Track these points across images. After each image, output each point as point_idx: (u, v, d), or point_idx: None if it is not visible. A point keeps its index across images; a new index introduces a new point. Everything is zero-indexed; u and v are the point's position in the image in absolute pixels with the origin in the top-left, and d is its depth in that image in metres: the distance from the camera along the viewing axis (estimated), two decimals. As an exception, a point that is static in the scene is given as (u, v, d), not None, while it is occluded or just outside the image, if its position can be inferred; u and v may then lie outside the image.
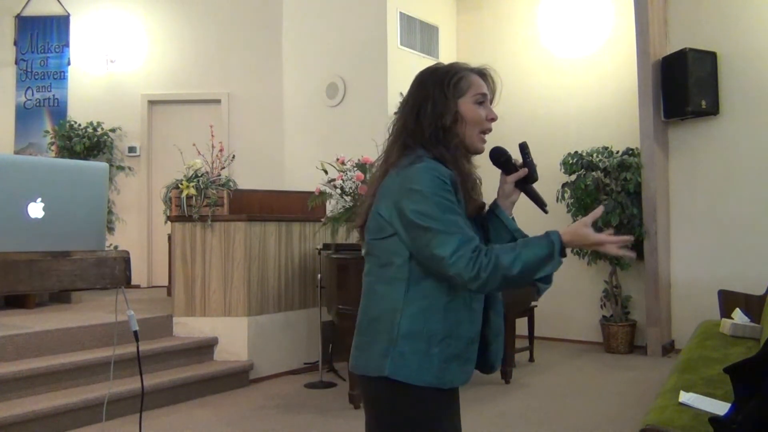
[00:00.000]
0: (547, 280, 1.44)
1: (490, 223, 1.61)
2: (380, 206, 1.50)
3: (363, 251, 1.62)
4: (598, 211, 1.46)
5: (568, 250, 1.46)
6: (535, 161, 1.57)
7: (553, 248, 1.40)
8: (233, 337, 4.82)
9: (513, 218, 1.62)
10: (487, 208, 1.65)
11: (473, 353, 1.54)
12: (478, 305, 1.54)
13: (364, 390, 1.56)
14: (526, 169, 1.56)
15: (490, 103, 1.59)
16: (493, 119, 1.56)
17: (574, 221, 6.34)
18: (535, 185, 1.60)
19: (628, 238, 1.43)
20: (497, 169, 1.65)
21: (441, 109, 1.52)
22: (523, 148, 1.60)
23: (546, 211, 1.60)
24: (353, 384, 4.09)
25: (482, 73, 1.59)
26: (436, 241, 1.38)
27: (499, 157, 1.59)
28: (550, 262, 1.40)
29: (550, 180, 6.19)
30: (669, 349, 5.72)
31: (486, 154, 1.63)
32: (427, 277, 1.46)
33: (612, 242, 1.41)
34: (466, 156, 1.56)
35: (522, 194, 1.63)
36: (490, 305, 1.59)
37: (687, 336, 4.68)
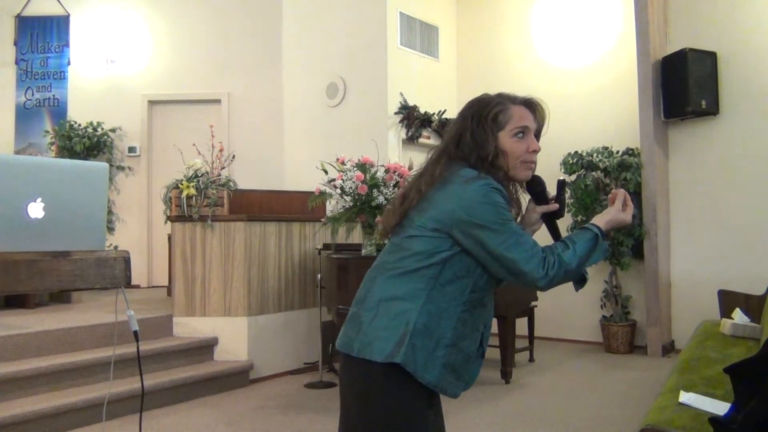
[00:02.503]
0: (584, 276, 1.61)
1: None
2: (432, 211, 1.55)
3: (385, 248, 1.68)
4: (621, 194, 1.63)
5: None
6: (568, 199, 1.65)
7: (598, 237, 1.56)
8: (233, 337, 4.82)
9: None
10: None
11: (466, 373, 1.59)
12: (483, 327, 1.62)
13: (355, 371, 1.56)
14: (557, 205, 1.65)
15: (539, 133, 1.65)
16: (536, 151, 1.61)
17: (574, 221, 6.39)
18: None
19: (623, 192, 1.64)
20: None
21: (481, 141, 1.60)
22: (561, 184, 1.69)
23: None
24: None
25: (528, 104, 1.65)
26: (508, 244, 1.50)
27: (535, 186, 1.66)
28: (598, 250, 1.56)
29: (550, 180, 6.20)
30: (669, 349, 5.72)
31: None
32: (453, 282, 1.53)
33: (629, 212, 1.62)
34: (511, 183, 1.63)
35: (543, 226, 1.73)
36: (486, 329, 1.67)
37: (687, 336, 4.68)
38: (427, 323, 1.50)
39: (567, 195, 1.68)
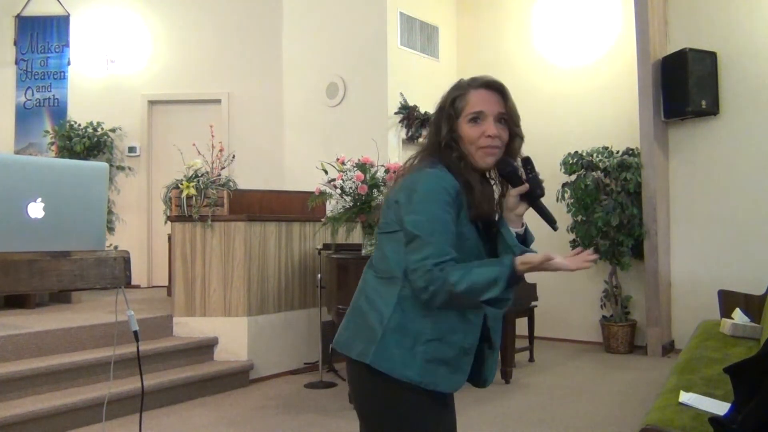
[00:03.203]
0: (497, 305, 1.44)
1: (498, 235, 1.61)
2: (391, 203, 1.56)
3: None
4: (584, 257, 1.44)
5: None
6: (540, 175, 1.55)
7: (502, 273, 1.38)
8: (233, 337, 4.82)
9: (526, 228, 1.59)
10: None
11: (466, 364, 1.56)
12: (475, 317, 1.55)
13: (347, 367, 1.62)
14: (527, 185, 1.53)
15: (510, 116, 1.56)
16: (491, 135, 1.52)
17: (574, 221, 6.39)
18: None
19: (580, 251, 1.46)
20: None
21: (436, 129, 1.58)
22: (525, 162, 1.57)
23: (555, 229, 1.57)
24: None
25: (488, 86, 1.58)
26: (412, 246, 1.45)
27: (503, 169, 1.57)
28: (495, 287, 1.38)
29: (550, 180, 6.19)
30: (669, 349, 5.72)
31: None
32: None
33: (553, 258, 1.38)
34: (472, 166, 1.56)
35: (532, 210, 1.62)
36: (490, 320, 1.59)
37: (687, 336, 4.69)
38: (402, 321, 1.50)
39: (538, 172, 1.58)
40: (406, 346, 1.49)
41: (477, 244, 1.54)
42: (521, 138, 1.59)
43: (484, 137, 1.53)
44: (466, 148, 1.54)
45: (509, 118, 1.56)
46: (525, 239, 1.58)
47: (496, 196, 1.60)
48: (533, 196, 1.53)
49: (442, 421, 1.59)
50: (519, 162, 1.57)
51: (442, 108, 1.59)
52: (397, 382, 1.49)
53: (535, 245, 1.60)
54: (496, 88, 1.57)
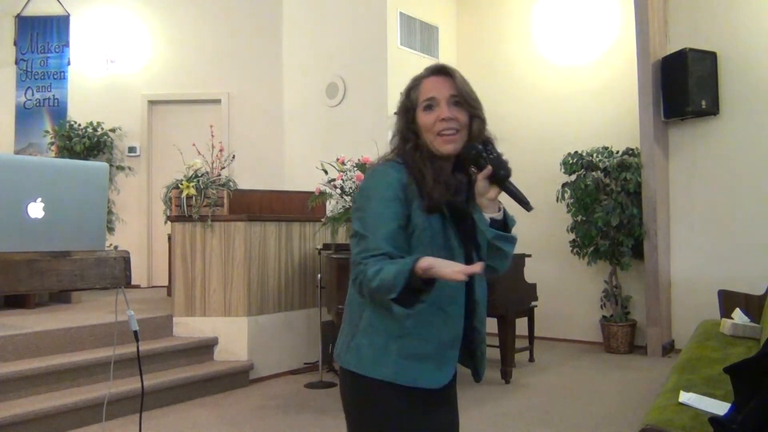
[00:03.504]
0: (406, 303, 1.34)
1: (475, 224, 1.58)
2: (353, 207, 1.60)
3: None
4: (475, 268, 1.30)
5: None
6: (503, 156, 1.50)
7: (401, 273, 1.30)
8: (233, 337, 4.83)
9: (505, 212, 1.53)
10: None
11: (450, 358, 1.53)
12: (453, 309, 1.51)
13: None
14: (489, 167, 1.47)
15: (464, 97, 1.52)
16: (444, 118, 1.50)
17: (574, 221, 6.38)
18: (525, 188, 1.56)
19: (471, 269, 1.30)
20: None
21: (401, 121, 1.58)
22: (485, 144, 1.52)
23: (528, 209, 1.49)
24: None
25: (436, 71, 1.57)
26: (353, 242, 1.47)
27: (467, 152, 1.51)
28: (397, 287, 1.30)
29: (550, 180, 6.20)
30: (669, 349, 5.72)
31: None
32: None
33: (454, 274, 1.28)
34: (428, 156, 1.53)
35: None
36: (473, 312, 1.57)
37: (687, 336, 4.68)
38: (372, 320, 1.50)
39: (501, 152, 1.52)
40: (379, 345, 1.48)
41: (439, 235, 1.49)
42: (481, 119, 1.54)
43: (438, 122, 1.50)
44: (427, 137, 1.53)
45: (463, 100, 1.52)
46: (505, 223, 1.53)
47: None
48: (498, 178, 1.48)
49: (427, 419, 1.53)
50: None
51: (400, 103, 1.59)
52: (374, 382, 1.48)
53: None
54: (444, 72, 1.55)
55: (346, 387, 1.56)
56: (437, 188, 1.47)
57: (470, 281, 1.53)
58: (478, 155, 1.49)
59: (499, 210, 1.51)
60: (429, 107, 1.52)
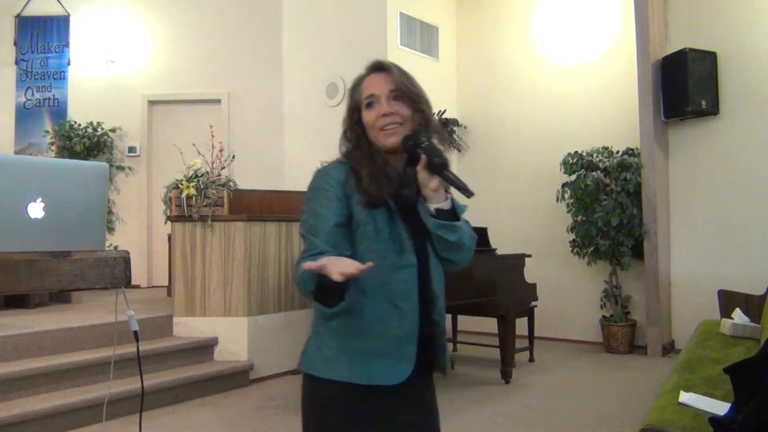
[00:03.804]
0: (325, 302, 1.35)
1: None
2: None
3: None
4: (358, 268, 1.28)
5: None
6: (438, 145, 1.48)
7: (303, 270, 1.32)
8: (233, 337, 4.83)
9: (453, 201, 1.50)
10: None
11: (406, 353, 1.48)
12: (405, 304, 1.48)
13: None
14: (423, 156, 1.44)
15: (404, 91, 1.52)
16: (384, 114, 1.51)
17: (574, 221, 6.39)
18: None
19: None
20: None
21: (346, 122, 1.60)
22: (417, 134, 1.49)
23: (468, 196, 1.43)
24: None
25: (375, 68, 1.59)
26: (302, 242, 1.51)
27: (404, 144, 1.49)
28: (306, 283, 1.35)
29: (550, 180, 6.20)
30: (669, 349, 5.72)
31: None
32: None
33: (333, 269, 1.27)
34: (368, 153, 1.53)
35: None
36: (430, 306, 1.54)
37: (687, 336, 4.69)
38: (329, 322, 1.51)
39: (435, 141, 1.46)
40: (334, 346, 1.49)
41: (385, 229, 1.48)
42: (422, 111, 1.54)
43: (379, 118, 1.51)
44: (371, 134, 1.54)
45: (403, 94, 1.52)
46: (454, 213, 1.50)
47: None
48: (434, 166, 1.44)
49: (388, 418, 1.50)
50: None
51: (347, 105, 1.62)
52: (331, 383, 1.48)
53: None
54: (382, 68, 1.57)
55: (305, 390, 1.55)
56: (373, 184, 1.48)
57: (425, 274, 1.53)
58: (414, 146, 1.47)
59: (446, 199, 1.49)
60: (370, 105, 1.54)
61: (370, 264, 1.27)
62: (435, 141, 1.49)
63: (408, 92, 1.53)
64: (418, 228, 1.51)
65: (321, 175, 1.54)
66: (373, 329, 1.47)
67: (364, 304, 1.46)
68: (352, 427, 1.49)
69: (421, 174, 1.46)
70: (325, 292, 1.34)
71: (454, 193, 1.53)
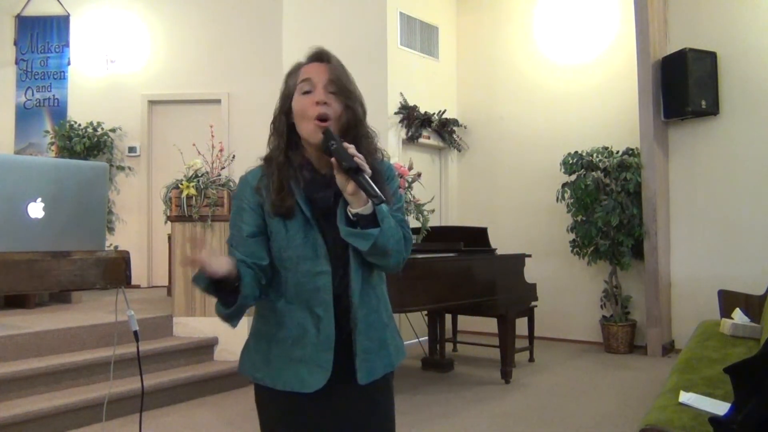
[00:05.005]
0: (223, 304, 1.42)
1: None
2: None
3: None
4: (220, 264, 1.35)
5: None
6: (349, 148, 1.38)
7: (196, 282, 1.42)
8: (233, 337, 4.82)
9: (373, 206, 1.40)
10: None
11: (323, 361, 1.44)
12: (320, 310, 1.44)
13: None
14: (333, 159, 1.38)
15: (341, 86, 1.48)
16: (318, 102, 1.44)
17: (574, 221, 6.39)
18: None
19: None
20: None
21: (278, 110, 1.55)
22: (329, 136, 1.41)
23: (376, 202, 1.38)
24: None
25: (315, 57, 1.53)
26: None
27: (324, 145, 1.41)
28: (198, 284, 1.41)
29: (550, 180, 6.20)
30: (669, 349, 5.72)
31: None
32: (269, 282, 1.51)
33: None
34: (287, 159, 1.50)
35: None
36: (348, 312, 1.47)
37: (687, 336, 4.69)
38: (255, 327, 1.56)
39: (346, 145, 1.39)
40: (260, 349, 1.52)
41: (298, 234, 1.45)
42: (353, 111, 1.49)
43: (313, 106, 1.45)
44: (301, 126, 1.47)
45: (338, 89, 1.47)
46: (374, 219, 1.41)
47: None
48: (347, 170, 1.36)
49: (309, 425, 1.48)
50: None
51: (280, 95, 1.56)
52: (259, 386, 1.53)
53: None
54: (323, 58, 1.52)
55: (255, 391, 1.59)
56: (276, 197, 1.45)
57: (343, 280, 1.46)
58: (330, 148, 1.39)
59: (367, 203, 1.39)
60: (307, 92, 1.47)
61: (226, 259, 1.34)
62: (346, 144, 1.39)
63: (343, 88, 1.48)
64: (338, 232, 1.44)
65: (240, 183, 1.55)
66: (291, 335, 1.47)
67: (285, 310, 1.47)
68: (277, 430, 1.51)
69: (338, 177, 1.39)
70: (218, 290, 1.38)
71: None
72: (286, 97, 1.54)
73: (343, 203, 1.42)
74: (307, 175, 1.49)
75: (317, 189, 1.47)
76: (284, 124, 1.52)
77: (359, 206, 1.39)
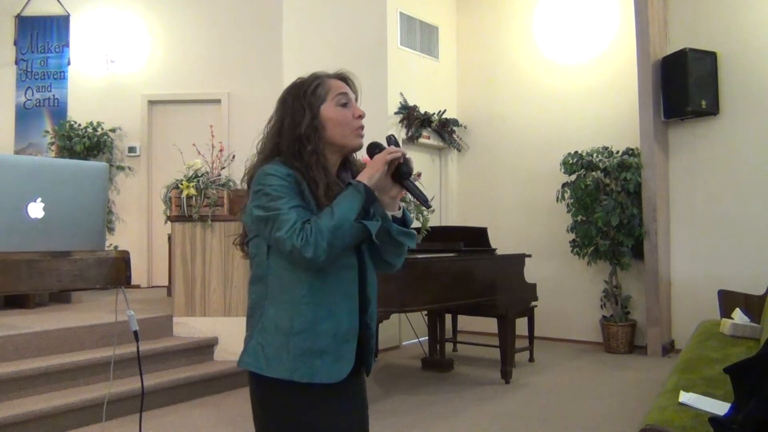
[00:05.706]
0: (377, 233, 1.46)
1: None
2: (244, 214, 1.62)
3: None
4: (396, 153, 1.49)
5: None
6: (408, 155, 1.53)
7: (355, 187, 1.45)
8: (233, 337, 4.82)
9: (404, 210, 1.57)
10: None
11: (347, 351, 1.51)
12: (348, 303, 1.52)
13: None
14: (386, 160, 1.51)
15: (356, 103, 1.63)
16: (361, 116, 1.59)
17: (574, 221, 6.39)
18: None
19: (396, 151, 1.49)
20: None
21: (299, 120, 1.56)
22: (388, 141, 1.55)
23: (427, 206, 1.54)
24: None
25: (341, 77, 1.63)
26: (275, 226, 1.44)
27: (372, 150, 1.56)
28: (357, 198, 1.43)
29: (550, 180, 6.20)
30: (669, 349, 5.72)
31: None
32: (286, 271, 1.50)
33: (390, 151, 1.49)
34: (323, 163, 1.55)
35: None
36: (365, 308, 1.57)
37: (687, 336, 4.69)
38: (271, 321, 1.53)
39: (405, 152, 1.54)
40: (276, 344, 1.51)
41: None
42: None
43: (356, 119, 1.58)
44: (336, 131, 1.56)
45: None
46: (404, 221, 1.56)
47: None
48: (401, 174, 1.50)
49: (330, 415, 1.54)
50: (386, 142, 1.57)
51: (299, 99, 1.58)
52: (273, 381, 1.51)
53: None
54: (348, 80, 1.64)
55: (251, 388, 1.59)
56: (327, 196, 1.50)
57: (363, 278, 1.56)
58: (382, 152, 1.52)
59: (399, 208, 1.55)
60: (345, 104, 1.58)
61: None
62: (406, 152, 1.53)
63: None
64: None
65: (276, 172, 1.50)
66: (315, 328, 1.49)
67: (316, 302, 1.49)
68: (295, 425, 1.51)
69: (385, 181, 1.51)
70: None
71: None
72: (313, 105, 1.57)
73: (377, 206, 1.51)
74: (327, 177, 1.56)
75: (336, 189, 1.54)
76: (314, 131, 1.56)
77: (393, 210, 1.54)
